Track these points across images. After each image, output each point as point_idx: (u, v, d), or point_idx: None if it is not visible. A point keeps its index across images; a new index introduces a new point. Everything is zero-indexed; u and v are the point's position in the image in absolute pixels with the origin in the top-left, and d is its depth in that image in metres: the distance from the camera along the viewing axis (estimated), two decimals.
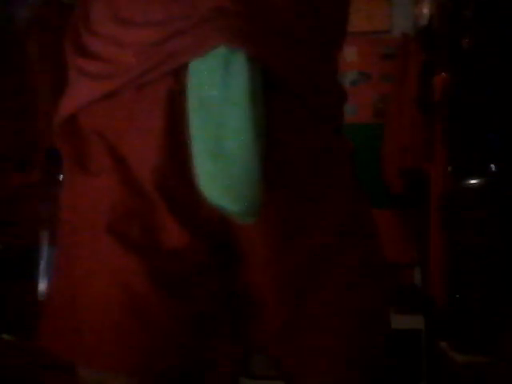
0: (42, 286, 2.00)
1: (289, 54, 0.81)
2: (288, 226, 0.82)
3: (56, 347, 0.92)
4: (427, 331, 2.98)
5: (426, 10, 2.93)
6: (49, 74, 3.15)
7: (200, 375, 0.97)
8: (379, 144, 3.42)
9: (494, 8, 2.42)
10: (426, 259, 2.98)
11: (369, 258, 0.89)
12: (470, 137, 2.47)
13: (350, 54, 3.87)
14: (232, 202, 0.77)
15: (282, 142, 0.81)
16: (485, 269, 1.91)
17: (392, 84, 3.59)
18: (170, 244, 0.79)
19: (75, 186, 0.85)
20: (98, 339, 0.81)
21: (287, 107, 0.81)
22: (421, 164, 2.98)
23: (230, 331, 0.90)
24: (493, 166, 2.02)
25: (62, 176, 2.29)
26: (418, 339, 3.01)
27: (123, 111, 0.81)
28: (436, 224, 2.61)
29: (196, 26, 0.76)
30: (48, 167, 2.21)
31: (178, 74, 0.77)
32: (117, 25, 0.82)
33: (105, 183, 0.81)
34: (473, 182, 2.04)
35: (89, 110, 0.83)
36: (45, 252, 2.02)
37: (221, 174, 0.76)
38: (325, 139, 0.87)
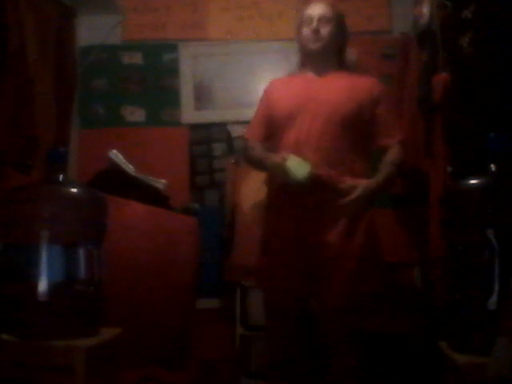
0: (42, 285, 2.00)
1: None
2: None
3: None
4: (427, 331, 2.97)
5: (425, 10, 2.93)
6: (49, 75, 3.15)
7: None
8: None
9: (494, 8, 2.42)
10: (425, 259, 2.98)
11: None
12: (469, 137, 2.47)
13: (349, 54, 3.87)
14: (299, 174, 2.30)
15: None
16: (485, 269, 1.91)
17: (392, 84, 3.58)
18: None
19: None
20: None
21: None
22: (421, 164, 2.98)
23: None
24: (493, 165, 2.02)
25: (61, 176, 2.29)
26: (418, 339, 3.01)
27: None
28: (436, 224, 2.61)
29: None
30: (48, 167, 2.20)
31: None
32: None
33: None
34: (473, 181, 2.03)
35: None
36: (45, 252, 2.02)
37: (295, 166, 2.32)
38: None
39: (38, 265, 2.00)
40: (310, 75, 2.58)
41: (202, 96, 3.95)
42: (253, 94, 3.86)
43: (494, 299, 1.88)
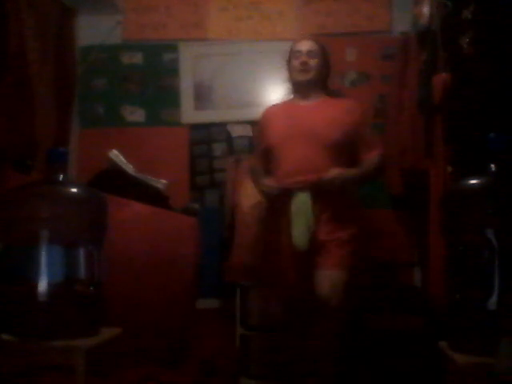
0: (42, 285, 2.00)
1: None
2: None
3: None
4: (427, 331, 2.97)
5: (425, 10, 2.93)
6: (49, 75, 3.15)
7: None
8: None
9: (494, 8, 2.42)
10: (426, 259, 2.98)
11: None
12: (469, 137, 2.47)
13: (349, 54, 3.87)
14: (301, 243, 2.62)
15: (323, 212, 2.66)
16: (485, 269, 1.91)
17: (392, 84, 3.59)
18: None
19: None
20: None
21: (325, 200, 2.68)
22: (421, 164, 2.98)
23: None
24: (493, 165, 2.02)
25: (61, 176, 2.29)
26: (418, 339, 3.01)
27: None
28: (436, 224, 2.61)
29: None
30: (48, 167, 2.20)
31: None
32: None
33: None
34: (473, 181, 2.03)
35: None
36: (45, 252, 2.02)
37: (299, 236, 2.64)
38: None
39: (38, 265, 2.00)
40: (298, 104, 2.84)
41: (202, 96, 3.95)
42: (253, 94, 3.87)
43: (493, 299, 1.88)
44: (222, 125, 3.92)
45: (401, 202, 3.45)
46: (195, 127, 3.94)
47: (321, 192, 2.64)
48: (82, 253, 2.09)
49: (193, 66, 3.97)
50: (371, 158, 2.76)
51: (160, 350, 2.72)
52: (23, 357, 1.95)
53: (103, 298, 2.16)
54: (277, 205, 2.74)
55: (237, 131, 3.89)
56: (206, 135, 3.94)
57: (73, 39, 3.50)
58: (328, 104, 2.83)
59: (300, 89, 2.86)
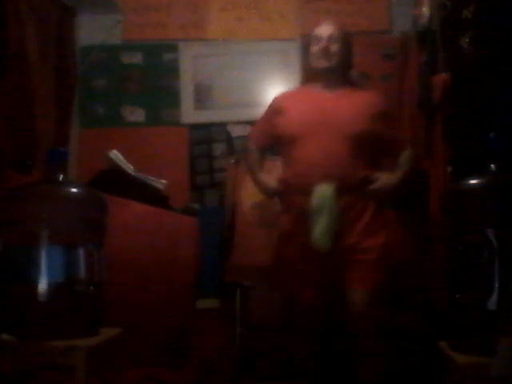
0: (42, 285, 2.00)
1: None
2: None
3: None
4: (427, 331, 2.97)
5: (425, 10, 2.93)
6: (49, 75, 3.15)
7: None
8: None
9: (494, 8, 2.42)
10: (426, 259, 2.98)
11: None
12: (469, 137, 2.47)
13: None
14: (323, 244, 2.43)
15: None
16: (485, 269, 1.91)
17: (392, 84, 3.58)
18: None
19: None
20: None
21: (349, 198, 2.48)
22: (421, 164, 2.98)
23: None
24: (493, 165, 2.02)
25: (61, 176, 2.29)
26: (418, 339, 3.01)
27: None
28: (436, 224, 2.61)
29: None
30: (48, 167, 2.20)
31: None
32: None
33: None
34: (473, 181, 2.03)
35: None
36: (45, 252, 2.02)
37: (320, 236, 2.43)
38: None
39: (38, 265, 2.00)
40: (319, 92, 2.65)
41: (202, 96, 3.95)
42: (253, 94, 3.87)
43: (494, 299, 1.88)
44: (222, 125, 3.92)
45: (401, 202, 3.44)
46: (195, 127, 3.94)
47: (347, 188, 2.45)
48: (81, 253, 2.09)
49: (193, 66, 3.97)
50: (406, 155, 2.63)
51: (160, 349, 2.72)
52: (23, 357, 1.95)
53: (103, 297, 2.16)
54: (292, 205, 2.56)
55: (237, 131, 3.89)
56: (206, 135, 3.94)
57: (73, 39, 3.51)
58: (352, 94, 2.64)
59: (320, 77, 2.66)
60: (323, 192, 2.44)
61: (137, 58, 4.00)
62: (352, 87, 2.69)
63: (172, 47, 3.98)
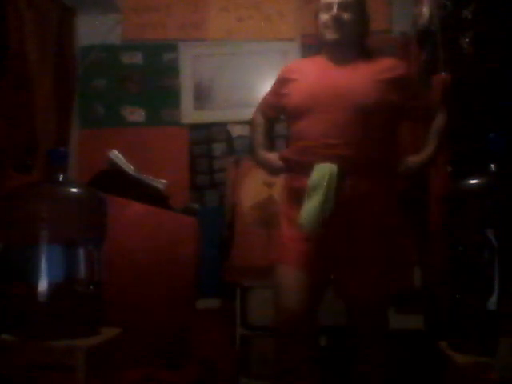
0: (42, 285, 2.00)
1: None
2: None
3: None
4: (427, 331, 2.97)
5: (425, 10, 2.93)
6: (49, 75, 3.15)
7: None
8: None
9: (494, 8, 2.42)
10: (425, 259, 2.98)
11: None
12: (469, 137, 2.47)
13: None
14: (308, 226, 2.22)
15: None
16: (485, 269, 1.91)
17: None
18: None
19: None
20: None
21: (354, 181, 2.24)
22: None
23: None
24: (493, 165, 2.02)
25: (61, 176, 2.29)
26: (418, 339, 3.01)
27: None
28: (436, 224, 2.61)
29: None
30: (48, 167, 2.20)
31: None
32: None
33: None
34: (473, 181, 2.03)
35: None
36: (45, 252, 2.02)
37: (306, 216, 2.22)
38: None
39: (38, 265, 2.00)
40: (330, 64, 2.39)
41: (202, 96, 3.95)
42: (253, 93, 3.86)
43: (494, 299, 1.88)
44: (222, 125, 3.92)
45: (401, 202, 3.44)
46: (195, 127, 3.94)
47: (355, 170, 2.21)
48: (81, 253, 2.09)
49: (193, 65, 3.97)
50: (436, 125, 2.38)
51: (160, 350, 2.72)
52: (23, 357, 1.95)
53: (103, 298, 2.16)
54: (293, 183, 2.34)
55: (237, 131, 3.89)
56: (206, 135, 3.94)
57: (73, 39, 3.50)
58: (367, 65, 2.35)
59: (331, 49, 2.37)
60: (322, 170, 2.20)
61: (137, 58, 4.00)
62: (366, 58, 2.40)
63: (172, 47, 3.98)
